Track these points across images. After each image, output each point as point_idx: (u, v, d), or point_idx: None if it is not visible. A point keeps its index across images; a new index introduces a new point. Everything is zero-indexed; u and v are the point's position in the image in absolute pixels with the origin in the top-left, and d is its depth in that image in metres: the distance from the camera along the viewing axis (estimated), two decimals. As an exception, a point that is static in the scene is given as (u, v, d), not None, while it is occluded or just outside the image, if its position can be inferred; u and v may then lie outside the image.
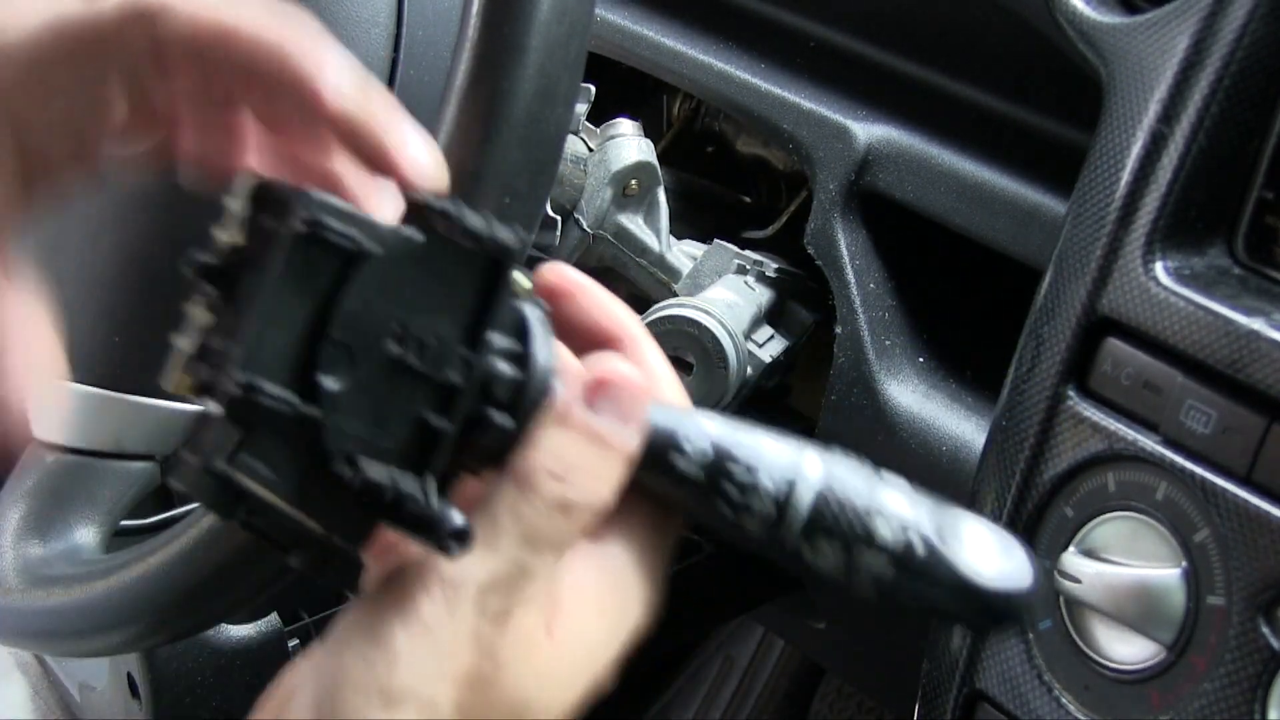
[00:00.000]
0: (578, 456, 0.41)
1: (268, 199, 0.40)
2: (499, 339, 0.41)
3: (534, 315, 0.42)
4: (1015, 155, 0.71)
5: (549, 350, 0.42)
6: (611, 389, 0.42)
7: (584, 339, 0.45)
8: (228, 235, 0.40)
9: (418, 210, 0.41)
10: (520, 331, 0.41)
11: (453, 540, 0.39)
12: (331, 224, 0.39)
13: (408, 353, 0.40)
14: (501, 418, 0.41)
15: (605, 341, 0.45)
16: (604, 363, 0.43)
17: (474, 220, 0.40)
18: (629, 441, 0.42)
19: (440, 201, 0.40)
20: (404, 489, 0.39)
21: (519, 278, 0.41)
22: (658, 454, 0.42)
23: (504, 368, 0.41)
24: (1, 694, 1.21)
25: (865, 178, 0.75)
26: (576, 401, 0.42)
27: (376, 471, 0.39)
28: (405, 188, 0.43)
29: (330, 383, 0.39)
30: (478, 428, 0.41)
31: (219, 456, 0.39)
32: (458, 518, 0.39)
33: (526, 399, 0.41)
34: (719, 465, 0.42)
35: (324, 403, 0.39)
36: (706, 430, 0.42)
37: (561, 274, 0.46)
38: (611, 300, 0.46)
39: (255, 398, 0.38)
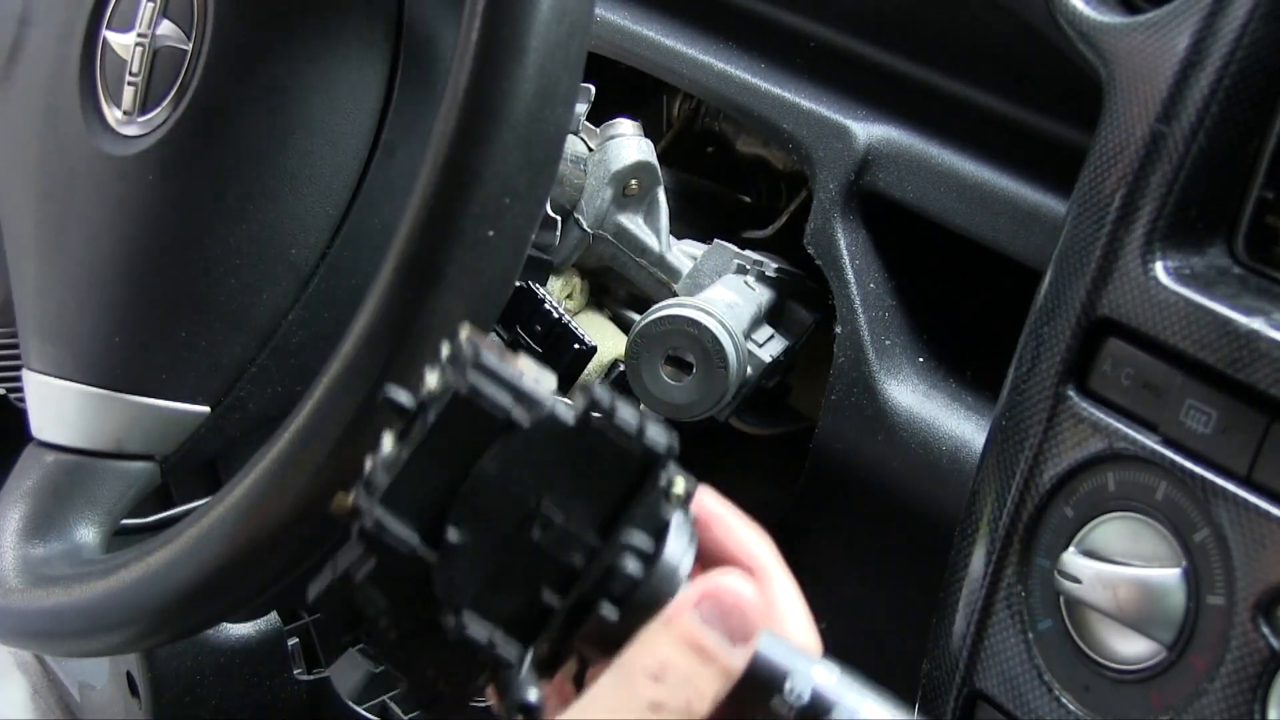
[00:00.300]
0: (678, 661, 0.42)
1: (460, 354, 0.43)
2: (635, 534, 0.42)
3: (678, 522, 0.43)
4: (1015, 155, 0.71)
5: (682, 558, 0.43)
6: (725, 605, 0.42)
7: (717, 564, 0.46)
8: (430, 379, 0.43)
9: (581, 393, 0.43)
10: (658, 533, 0.43)
11: (520, 714, 0.41)
12: (488, 391, 0.42)
13: (535, 526, 0.42)
14: (609, 610, 0.42)
15: (737, 567, 0.46)
16: (725, 578, 0.43)
17: (627, 418, 0.42)
18: (732, 660, 0.42)
19: (600, 392, 0.42)
20: (501, 653, 0.42)
21: (678, 480, 0.43)
22: (759, 685, 0.42)
23: (630, 564, 0.42)
24: (1, 693, 1.21)
25: (865, 178, 0.75)
26: (688, 608, 0.42)
27: (477, 629, 0.42)
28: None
29: (454, 535, 0.42)
30: (587, 613, 0.42)
31: (344, 576, 0.42)
32: (533, 694, 0.41)
33: (642, 597, 0.42)
34: (812, 717, 0.42)
35: (443, 552, 0.42)
36: (814, 678, 0.43)
37: (702, 501, 0.47)
38: (750, 530, 0.47)
39: (382, 532, 0.41)
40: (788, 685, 0.43)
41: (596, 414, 0.42)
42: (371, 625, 0.43)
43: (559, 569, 0.42)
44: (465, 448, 0.42)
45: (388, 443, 0.43)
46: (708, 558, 0.47)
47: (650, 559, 0.43)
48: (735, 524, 0.47)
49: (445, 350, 0.43)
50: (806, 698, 0.42)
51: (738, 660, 0.42)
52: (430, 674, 0.43)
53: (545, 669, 0.43)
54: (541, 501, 0.42)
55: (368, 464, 0.43)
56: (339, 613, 0.43)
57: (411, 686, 0.43)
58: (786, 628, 0.46)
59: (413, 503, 0.42)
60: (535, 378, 0.43)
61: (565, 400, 0.43)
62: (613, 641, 0.43)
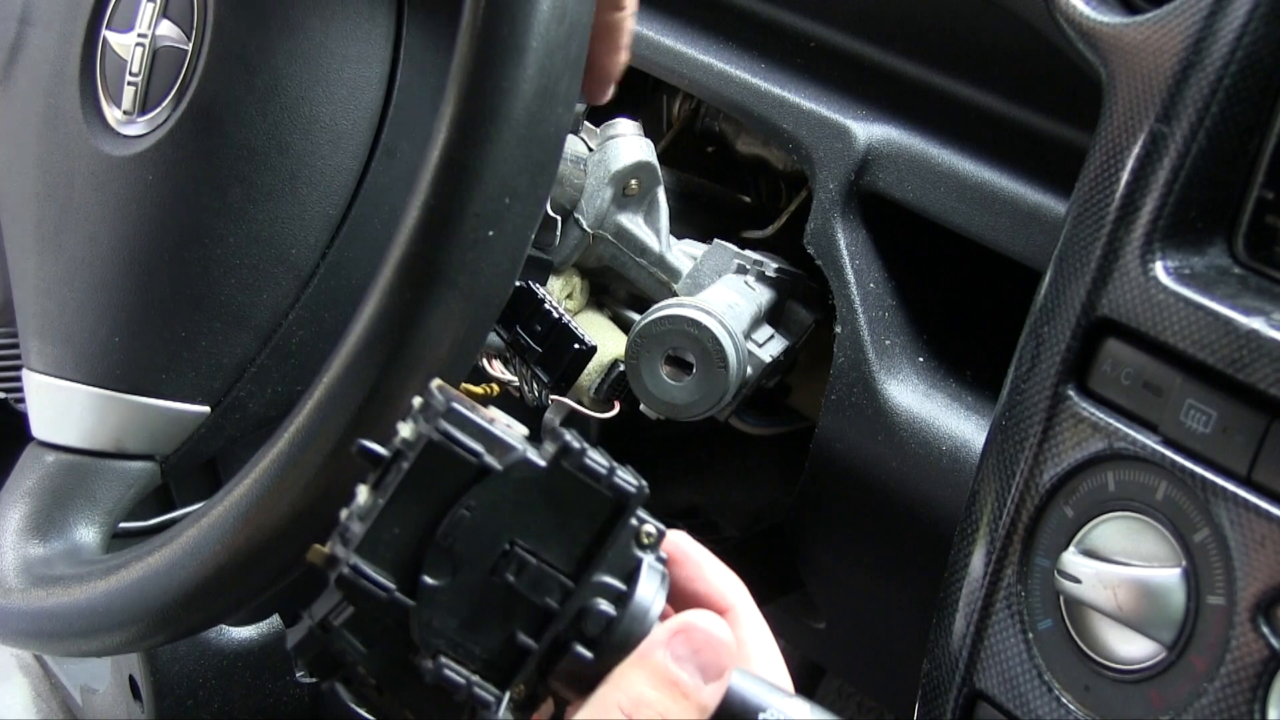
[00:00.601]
0: (653, 698, 0.43)
1: (432, 404, 0.44)
2: (605, 577, 0.44)
3: (649, 563, 0.45)
4: (1015, 155, 0.71)
5: (653, 599, 0.44)
6: (698, 642, 0.44)
7: (689, 604, 0.47)
8: (403, 429, 0.44)
9: (550, 438, 0.44)
10: (629, 575, 0.44)
11: None
12: (461, 438, 0.43)
13: (509, 569, 0.43)
14: (584, 651, 0.43)
15: (709, 608, 0.47)
16: (697, 617, 0.44)
17: (597, 462, 0.44)
18: (705, 697, 0.43)
19: (569, 436, 0.44)
20: (477, 693, 0.43)
21: (650, 526, 0.45)
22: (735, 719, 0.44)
23: (602, 605, 0.44)
24: (3, 696, 1.21)
25: (865, 178, 0.75)
26: (660, 645, 0.43)
27: (453, 671, 0.43)
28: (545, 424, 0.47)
29: (429, 580, 0.43)
30: (562, 653, 0.44)
31: (322, 624, 0.44)
32: None
33: (615, 637, 0.44)
34: None
35: (420, 597, 0.43)
36: (787, 714, 0.44)
37: (674, 542, 0.48)
38: (721, 570, 0.49)
39: (358, 578, 0.43)
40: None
41: (568, 458, 0.44)
42: (350, 671, 0.44)
43: (534, 611, 0.44)
44: (439, 494, 0.43)
45: (362, 493, 0.44)
46: (680, 598, 0.48)
47: (623, 599, 0.44)
48: (707, 564, 0.49)
49: (417, 402, 0.44)
50: None
51: (711, 697, 0.43)
52: (409, 717, 0.44)
53: (523, 710, 0.44)
54: (515, 545, 0.44)
55: (342, 514, 0.44)
56: (318, 660, 0.45)
57: None
58: (758, 665, 0.47)
59: (388, 550, 0.43)
60: (506, 424, 0.45)
61: (534, 447, 0.44)
62: (588, 681, 0.44)
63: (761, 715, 0.45)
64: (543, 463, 0.44)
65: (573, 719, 0.43)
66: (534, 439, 0.45)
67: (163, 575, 0.56)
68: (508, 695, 0.44)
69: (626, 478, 0.44)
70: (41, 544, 0.63)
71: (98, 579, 0.59)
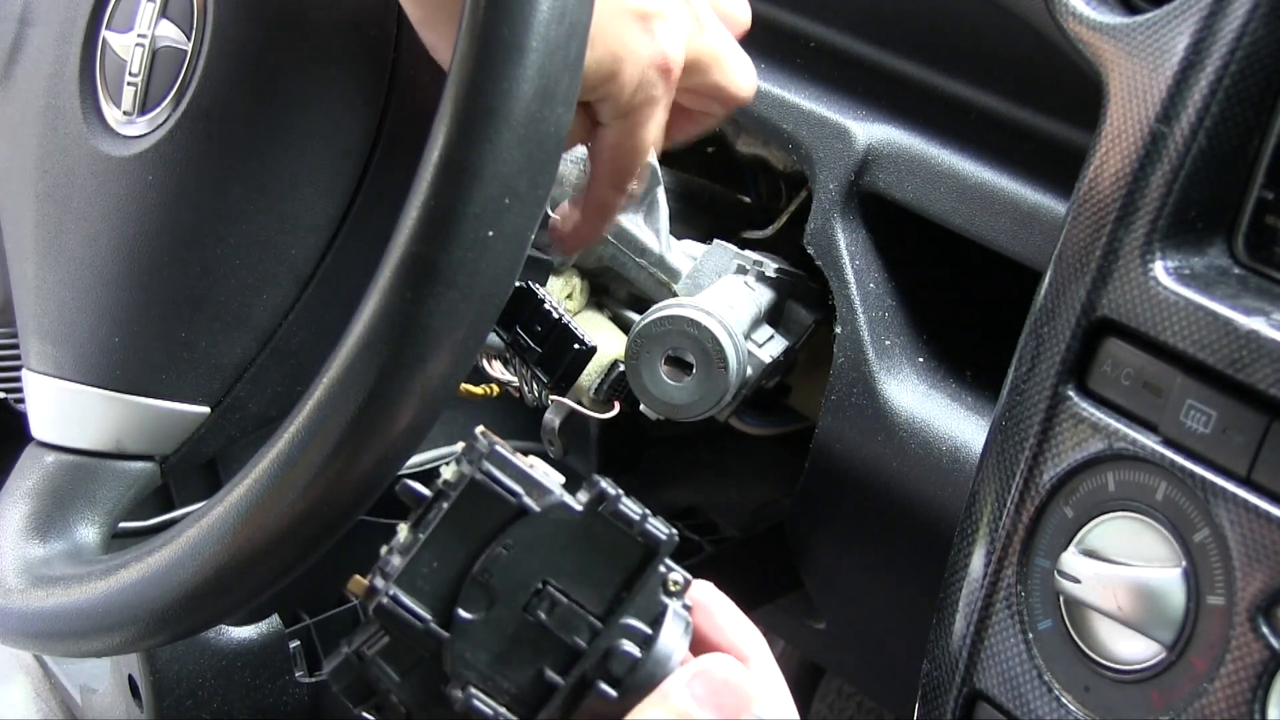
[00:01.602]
0: None
1: (476, 447, 0.47)
2: (632, 620, 0.46)
3: (674, 610, 0.47)
4: (1015, 155, 0.71)
5: (676, 644, 0.47)
6: (717, 684, 0.46)
7: (709, 651, 0.49)
8: (446, 472, 0.47)
9: (587, 486, 0.47)
10: (655, 620, 0.47)
11: None
12: (502, 479, 0.46)
13: (541, 607, 0.46)
14: (607, 689, 0.45)
15: (729, 654, 0.49)
16: (716, 660, 0.46)
17: (630, 509, 0.46)
18: None
19: (604, 484, 0.47)
20: None
21: (677, 575, 0.47)
22: None
23: (627, 646, 0.46)
24: (2, 696, 1.21)
25: (865, 178, 0.75)
26: (681, 686, 0.45)
27: (482, 703, 0.45)
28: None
29: (464, 614, 0.46)
30: (587, 691, 0.46)
31: (357, 652, 0.46)
32: None
33: (638, 678, 0.46)
34: None
35: (455, 630, 0.46)
36: None
37: (700, 591, 0.50)
38: (741, 621, 0.50)
39: (395, 609, 0.45)
40: None
41: (603, 504, 0.46)
42: (383, 699, 0.47)
43: (562, 648, 0.46)
44: (478, 532, 0.46)
45: (403, 530, 0.47)
46: (701, 644, 0.49)
47: (648, 643, 0.46)
48: (728, 613, 0.50)
49: (460, 446, 0.47)
50: None
51: None
52: None
53: None
54: (548, 584, 0.46)
55: (383, 550, 0.47)
56: (352, 686, 0.47)
57: None
58: (773, 710, 0.48)
59: (426, 583, 0.46)
60: (545, 471, 0.47)
61: (570, 494, 0.47)
62: (610, 719, 0.46)
63: None
64: (579, 507, 0.46)
65: None
66: (571, 487, 0.48)
67: (163, 575, 0.56)
68: None
69: (658, 525, 0.46)
70: (41, 544, 0.63)
71: (98, 579, 0.59)
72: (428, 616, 0.45)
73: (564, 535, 0.46)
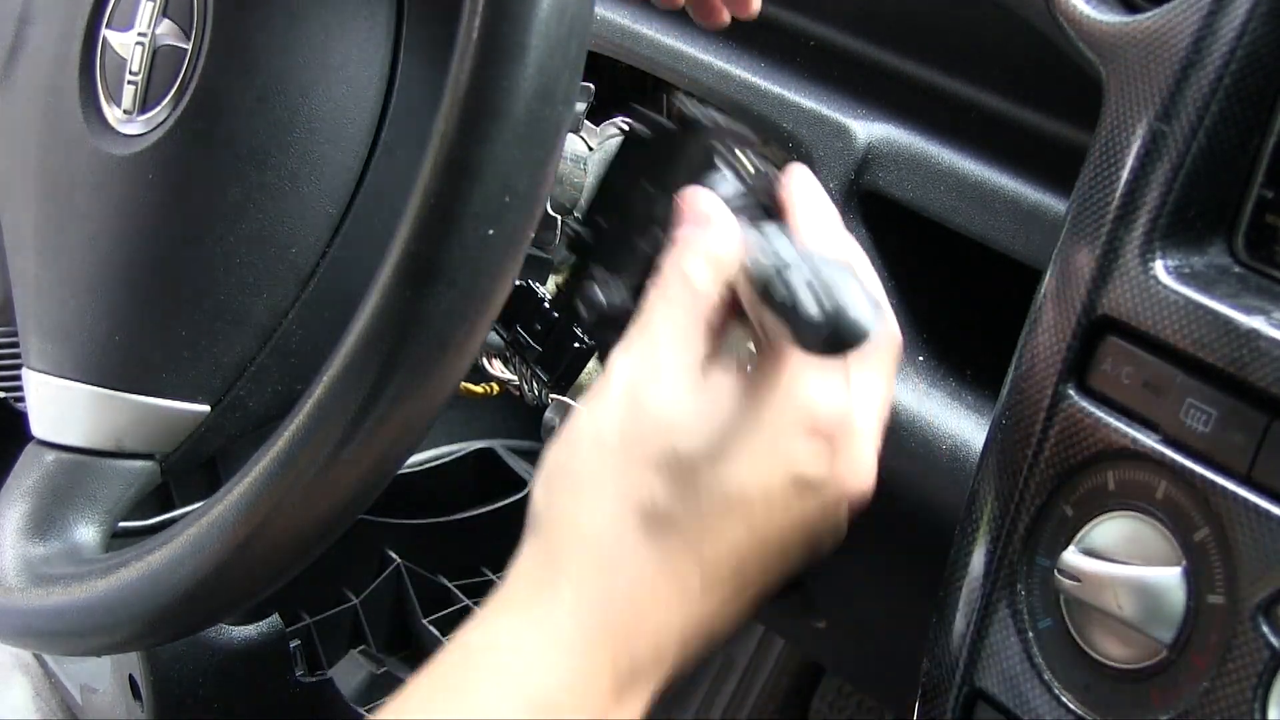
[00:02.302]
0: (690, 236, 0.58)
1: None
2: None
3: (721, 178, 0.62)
4: (1015, 155, 0.71)
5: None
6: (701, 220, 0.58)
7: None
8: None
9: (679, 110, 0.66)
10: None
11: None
12: (634, 124, 0.68)
13: (634, 208, 0.65)
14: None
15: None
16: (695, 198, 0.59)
17: (691, 109, 0.63)
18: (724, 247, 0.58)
19: (683, 101, 0.66)
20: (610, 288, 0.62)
21: (745, 161, 0.63)
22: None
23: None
24: (3, 695, 1.21)
25: (865, 177, 0.75)
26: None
27: (600, 276, 0.64)
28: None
29: (600, 221, 0.68)
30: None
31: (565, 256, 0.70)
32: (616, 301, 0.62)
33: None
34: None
35: (589, 234, 0.67)
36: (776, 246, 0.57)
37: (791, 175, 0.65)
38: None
39: (571, 230, 0.68)
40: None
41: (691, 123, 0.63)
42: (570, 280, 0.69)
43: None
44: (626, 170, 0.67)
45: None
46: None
47: None
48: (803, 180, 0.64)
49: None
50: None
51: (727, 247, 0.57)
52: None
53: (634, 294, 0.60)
54: (640, 189, 0.65)
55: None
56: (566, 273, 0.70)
57: (590, 314, 0.63)
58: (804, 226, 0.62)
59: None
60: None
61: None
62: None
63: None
64: (673, 126, 0.65)
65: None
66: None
67: (163, 575, 0.56)
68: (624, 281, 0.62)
69: (695, 112, 0.65)
70: (41, 543, 0.64)
71: (98, 578, 0.59)
72: (582, 229, 0.69)
73: (658, 151, 0.66)
